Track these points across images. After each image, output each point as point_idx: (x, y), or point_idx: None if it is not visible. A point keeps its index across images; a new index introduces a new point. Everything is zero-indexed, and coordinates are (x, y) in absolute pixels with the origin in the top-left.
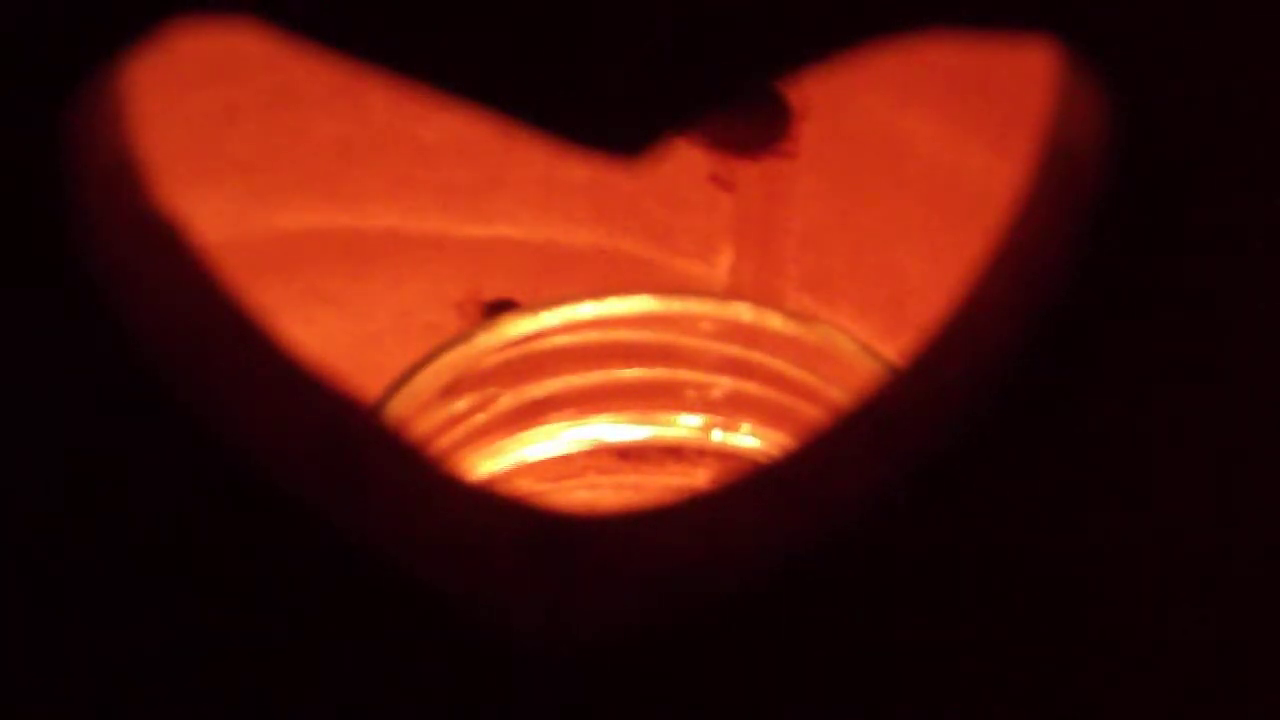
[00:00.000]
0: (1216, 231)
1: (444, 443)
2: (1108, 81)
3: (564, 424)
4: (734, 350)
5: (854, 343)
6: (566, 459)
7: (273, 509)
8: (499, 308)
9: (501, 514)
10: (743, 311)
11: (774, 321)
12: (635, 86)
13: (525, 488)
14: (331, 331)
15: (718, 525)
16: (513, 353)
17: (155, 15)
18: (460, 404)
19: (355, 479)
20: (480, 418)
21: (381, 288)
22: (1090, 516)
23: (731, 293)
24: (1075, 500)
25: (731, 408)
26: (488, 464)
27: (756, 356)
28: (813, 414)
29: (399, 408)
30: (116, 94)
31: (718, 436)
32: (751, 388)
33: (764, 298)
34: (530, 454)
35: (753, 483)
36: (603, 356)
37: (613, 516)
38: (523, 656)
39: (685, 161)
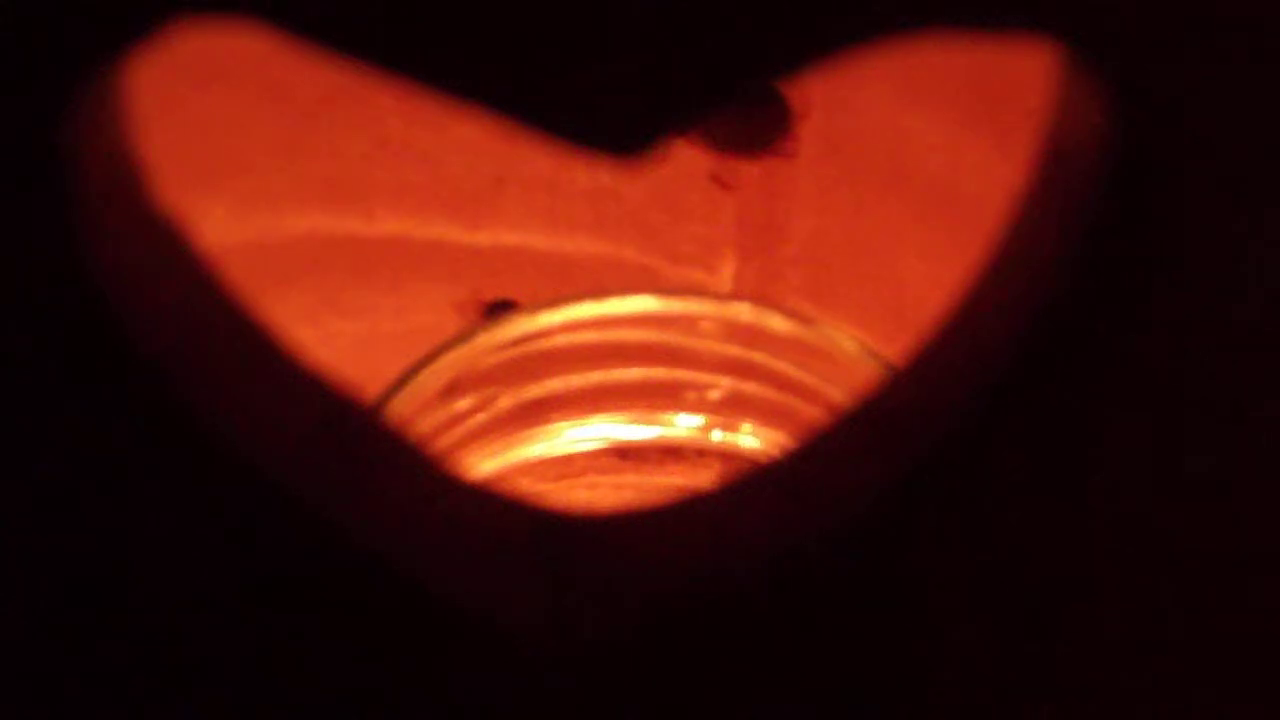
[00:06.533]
0: (1216, 231)
1: (444, 443)
2: (1108, 81)
3: (564, 424)
4: (734, 350)
5: (854, 343)
6: (566, 459)
7: (273, 509)
8: (499, 308)
9: (501, 514)
10: (743, 312)
11: (774, 322)
12: (635, 87)
13: (525, 488)
14: (332, 332)
15: (718, 525)
16: (513, 353)
17: (157, 16)
18: (460, 404)
19: (355, 479)
20: (480, 418)
21: (383, 290)
22: (1090, 517)
23: (733, 296)
24: (1076, 501)
25: (732, 408)
26: (488, 464)
27: (757, 357)
28: (813, 414)
29: (399, 408)
30: (117, 94)
31: (718, 437)
32: (752, 388)
33: (765, 303)
34: (530, 454)
35: (753, 483)
36: (603, 356)
37: (613, 516)
38: (523, 656)
39: (687, 169)
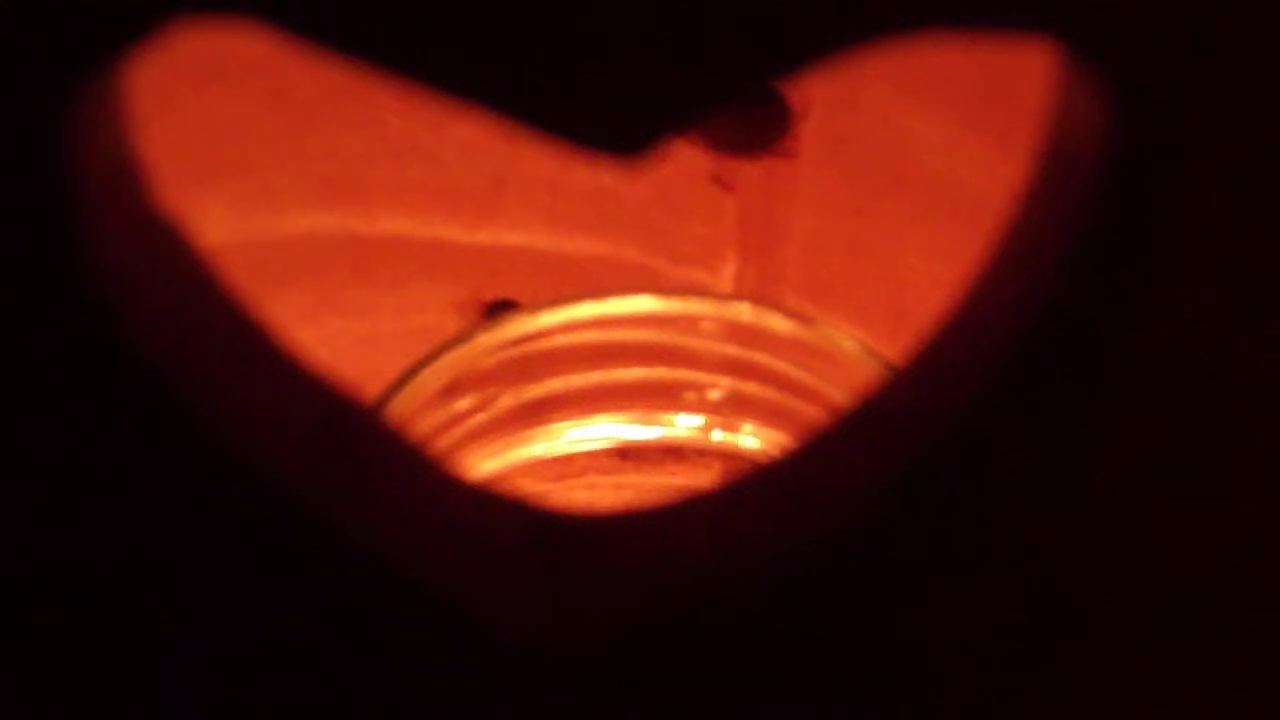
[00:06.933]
0: (1216, 231)
1: (444, 443)
2: (1108, 81)
3: (564, 424)
4: (735, 350)
5: (854, 343)
6: (566, 459)
7: (273, 509)
8: (499, 308)
9: (501, 514)
10: (743, 312)
11: (775, 322)
12: (635, 87)
13: (525, 488)
14: (332, 332)
15: (717, 525)
16: (513, 353)
17: (157, 16)
18: (460, 404)
19: (355, 479)
20: (480, 418)
21: (383, 290)
22: (1090, 517)
23: (733, 296)
24: (1075, 500)
25: (732, 408)
26: (488, 464)
27: (757, 357)
28: (813, 414)
29: (399, 408)
30: (117, 94)
31: (718, 437)
32: (752, 388)
33: (765, 303)
34: (530, 454)
35: (753, 483)
36: (603, 356)
37: (613, 516)
38: (523, 656)
39: (688, 169)
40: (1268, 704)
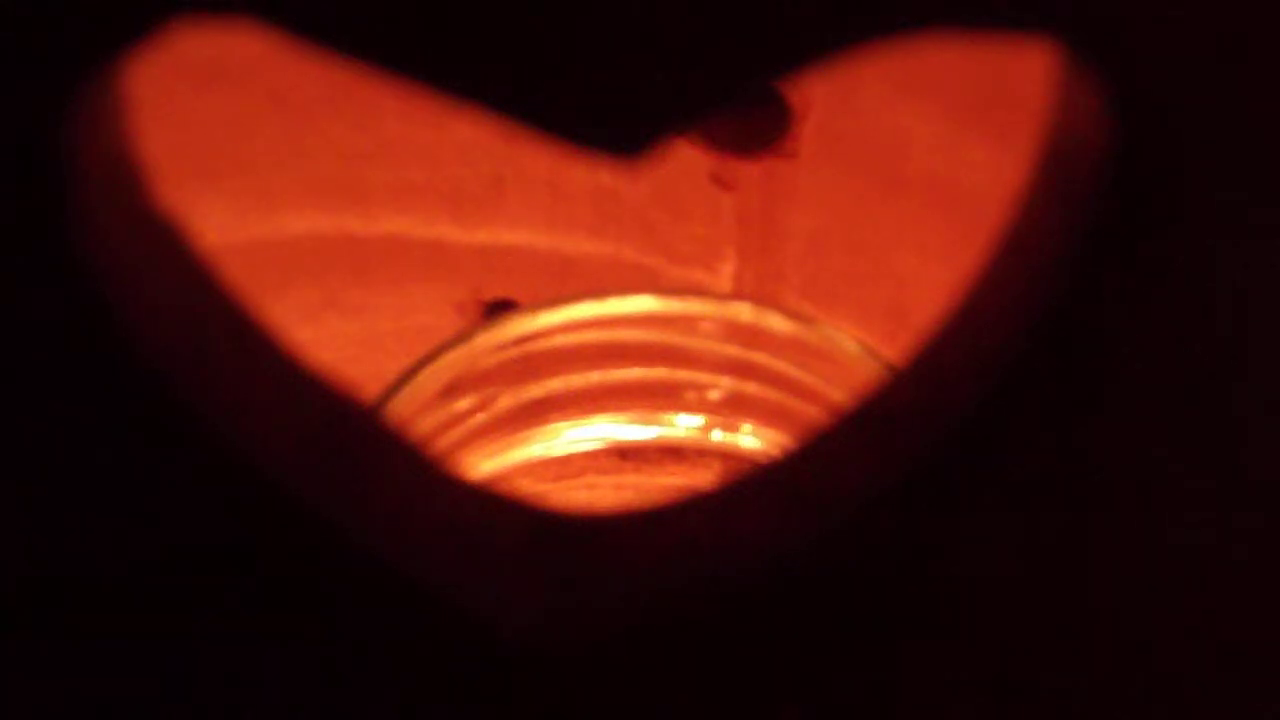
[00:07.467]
0: (1216, 231)
1: (444, 443)
2: (1108, 81)
3: (564, 424)
4: (735, 350)
5: (854, 343)
6: (566, 459)
7: (273, 509)
8: (499, 308)
9: (501, 514)
10: (743, 312)
11: (775, 322)
12: (635, 87)
13: (525, 488)
14: (332, 332)
15: (717, 525)
16: (513, 353)
17: (156, 16)
18: (460, 404)
19: (355, 479)
20: (480, 418)
21: (383, 290)
22: (1090, 518)
23: (733, 295)
24: (1075, 501)
25: (732, 408)
26: (488, 464)
27: (757, 357)
28: (813, 414)
29: (399, 408)
30: (116, 94)
31: (718, 437)
32: (752, 388)
33: (765, 303)
34: (530, 454)
35: (753, 483)
36: (603, 356)
37: (613, 516)
38: (523, 656)
39: (688, 168)
40: (1265, 706)
